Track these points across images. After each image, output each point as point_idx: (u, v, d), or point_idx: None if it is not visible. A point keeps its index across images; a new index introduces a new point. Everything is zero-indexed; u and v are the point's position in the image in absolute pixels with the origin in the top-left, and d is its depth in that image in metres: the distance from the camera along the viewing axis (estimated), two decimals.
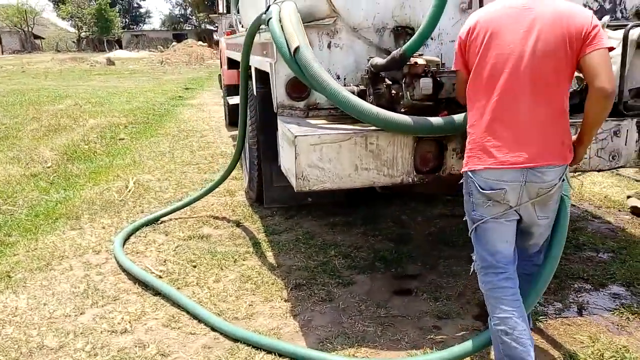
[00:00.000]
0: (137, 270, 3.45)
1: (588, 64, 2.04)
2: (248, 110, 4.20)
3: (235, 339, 2.72)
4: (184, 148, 7.56)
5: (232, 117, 9.56)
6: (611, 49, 2.09)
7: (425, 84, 2.64)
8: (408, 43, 2.56)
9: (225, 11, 9.05)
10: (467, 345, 2.44)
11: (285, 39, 2.72)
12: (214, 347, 2.69)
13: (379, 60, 2.75)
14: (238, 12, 7.59)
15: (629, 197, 4.82)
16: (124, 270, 3.53)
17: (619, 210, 4.62)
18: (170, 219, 4.55)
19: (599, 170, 3.12)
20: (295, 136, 2.51)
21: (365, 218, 4.43)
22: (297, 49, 2.63)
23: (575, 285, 3.28)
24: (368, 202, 4.75)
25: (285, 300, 3.14)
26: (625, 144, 2.96)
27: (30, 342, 2.76)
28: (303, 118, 3.01)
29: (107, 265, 3.66)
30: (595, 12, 2.76)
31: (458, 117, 2.56)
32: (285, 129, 2.70)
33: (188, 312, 2.99)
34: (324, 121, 2.92)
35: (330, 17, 2.97)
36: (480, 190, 2.20)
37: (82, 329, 2.86)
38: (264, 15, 3.00)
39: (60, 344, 2.73)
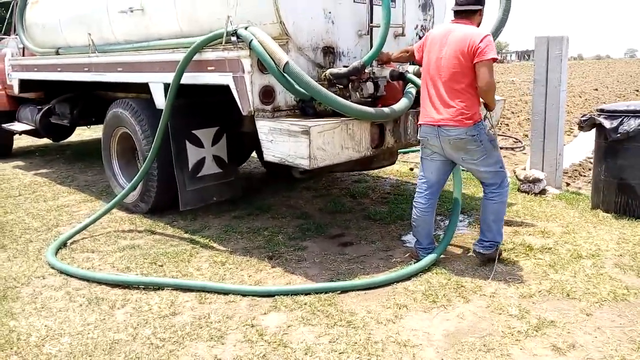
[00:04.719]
0: (127, 278, 3.63)
1: (476, 70, 3.47)
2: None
3: (272, 295, 3.35)
4: None
5: (5, 148, 8.75)
6: (494, 60, 3.56)
7: (371, 86, 3.81)
8: (366, 57, 3.71)
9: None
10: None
11: (270, 56, 3.50)
12: (258, 304, 3.28)
13: (337, 70, 3.79)
14: (24, 32, 7.25)
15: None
16: (101, 283, 3.62)
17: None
18: (76, 241, 4.50)
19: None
20: (310, 127, 3.35)
21: (261, 208, 5.23)
22: (286, 64, 3.45)
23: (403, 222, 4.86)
24: (250, 197, 5.55)
25: (273, 267, 3.84)
26: None
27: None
28: (271, 118, 3.79)
29: (72, 282, 3.65)
30: None
31: (396, 107, 3.79)
32: (287, 124, 3.48)
33: (211, 292, 3.43)
34: (292, 119, 3.77)
35: (280, 39, 3.84)
36: (420, 137, 3.69)
37: (140, 321, 3.06)
38: (232, 38, 3.66)
39: (133, 335, 2.92)
